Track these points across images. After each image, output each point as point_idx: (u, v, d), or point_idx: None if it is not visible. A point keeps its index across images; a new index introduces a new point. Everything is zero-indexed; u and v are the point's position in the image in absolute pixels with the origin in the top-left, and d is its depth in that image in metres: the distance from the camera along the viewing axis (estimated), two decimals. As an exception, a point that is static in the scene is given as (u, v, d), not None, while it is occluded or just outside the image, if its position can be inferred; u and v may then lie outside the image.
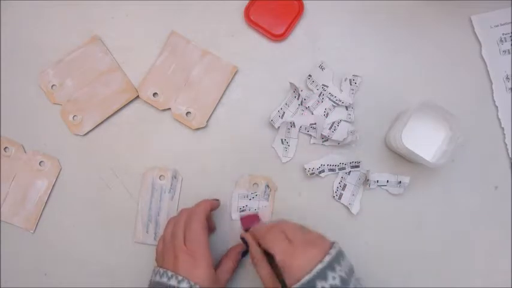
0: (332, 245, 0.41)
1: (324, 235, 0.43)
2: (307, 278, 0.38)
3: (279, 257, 0.40)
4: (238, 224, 0.51)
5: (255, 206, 0.52)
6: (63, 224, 0.53)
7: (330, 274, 0.38)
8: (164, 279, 0.41)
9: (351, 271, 0.41)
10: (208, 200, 0.48)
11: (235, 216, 0.52)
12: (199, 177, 0.53)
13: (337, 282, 0.38)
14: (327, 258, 0.39)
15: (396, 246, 0.52)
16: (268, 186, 0.52)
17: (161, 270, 0.42)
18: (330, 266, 0.39)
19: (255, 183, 0.52)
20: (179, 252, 0.42)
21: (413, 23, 0.55)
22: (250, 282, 0.51)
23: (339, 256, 0.40)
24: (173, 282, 0.41)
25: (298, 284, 0.38)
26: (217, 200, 0.50)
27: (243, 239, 0.47)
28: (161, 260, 0.45)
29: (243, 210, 0.52)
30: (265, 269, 0.44)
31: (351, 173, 0.52)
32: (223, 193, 0.53)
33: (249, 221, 0.49)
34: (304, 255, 0.40)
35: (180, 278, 0.40)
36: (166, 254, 0.44)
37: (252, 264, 0.45)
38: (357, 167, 0.52)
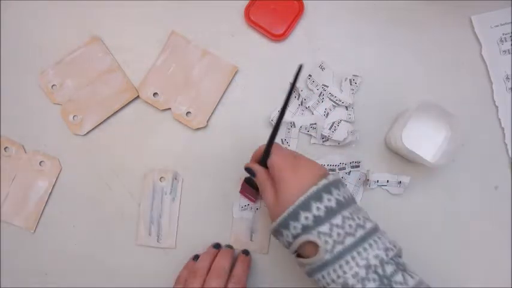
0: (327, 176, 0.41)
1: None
2: (302, 198, 0.37)
3: (277, 174, 0.40)
4: (244, 219, 0.51)
5: (257, 204, 0.52)
6: (63, 224, 0.53)
7: (326, 196, 0.38)
8: None
9: (351, 198, 0.40)
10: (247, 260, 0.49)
11: (237, 214, 0.52)
12: (200, 177, 0.53)
13: (332, 204, 0.37)
14: (322, 182, 0.38)
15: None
16: None
17: None
18: (325, 189, 0.38)
19: None
20: None
21: (413, 23, 0.55)
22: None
23: (335, 183, 0.39)
24: None
25: (294, 205, 0.38)
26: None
27: (247, 168, 0.46)
28: None
29: (245, 209, 0.52)
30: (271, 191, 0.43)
31: (351, 173, 0.52)
32: (224, 193, 0.53)
33: (247, 191, 0.51)
34: (300, 170, 0.40)
35: None
36: None
37: (260, 191, 0.44)
38: (357, 167, 0.52)
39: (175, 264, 0.51)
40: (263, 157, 0.43)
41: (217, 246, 0.50)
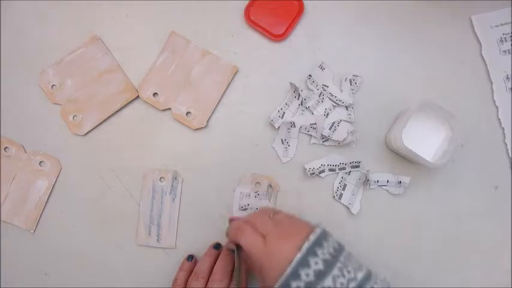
0: (312, 229, 0.39)
1: (302, 219, 0.42)
2: (288, 271, 0.36)
3: (255, 262, 0.39)
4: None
5: (256, 205, 0.52)
6: (63, 224, 0.53)
7: (312, 260, 0.37)
8: None
9: (337, 250, 0.39)
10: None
11: (237, 214, 0.52)
12: (200, 177, 0.53)
13: (320, 267, 0.36)
14: (305, 246, 0.37)
15: (396, 246, 0.53)
16: (270, 186, 0.52)
17: None
18: (310, 252, 0.37)
19: (257, 183, 0.52)
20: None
21: (413, 23, 0.55)
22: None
23: (318, 241, 0.38)
24: None
25: (284, 277, 0.36)
26: None
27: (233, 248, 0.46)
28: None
29: (245, 209, 0.52)
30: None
31: (351, 173, 0.52)
32: (224, 193, 0.53)
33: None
34: (278, 252, 0.38)
35: None
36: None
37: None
38: (357, 166, 0.52)
39: (175, 264, 0.51)
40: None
41: (217, 246, 0.50)
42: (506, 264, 0.52)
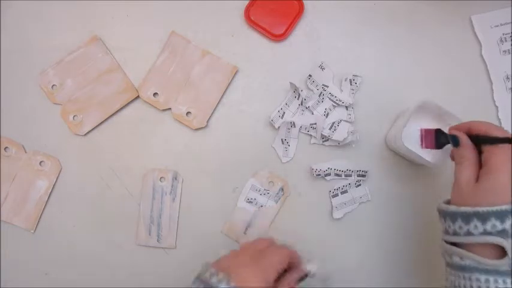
0: None
1: None
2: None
3: (500, 162, 0.36)
4: (245, 212, 0.51)
5: (263, 202, 0.52)
6: (63, 224, 0.53)
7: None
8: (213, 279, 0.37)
9: None
10: (296, 255, 0.42)
11: (242, 204, 0.52)
12: (200, 177, 0.53)
13: None
14: None
15: (396, 246, 0.53)
16: (282, 189, 0.52)
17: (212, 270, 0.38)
18: None
19: (271, 181, 0.52)
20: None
21: (413, 23, 0.55)
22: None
23: None
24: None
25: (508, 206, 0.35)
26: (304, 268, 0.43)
27: (453, 136, 0.41)
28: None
29: (250, 202, 0.52)
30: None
31: (359, 186, 0.52)
32: (224, 193, 0.53)
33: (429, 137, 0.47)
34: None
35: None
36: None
37: (456, 163, 0.41)
38: (364, 176, 0.52)
39: (175, 264, 0.51)
40: (477, 138, 0.39)
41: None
42: (506, 264, 0.52)
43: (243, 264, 0.39)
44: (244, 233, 0.52)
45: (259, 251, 0.41)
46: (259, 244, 0.42)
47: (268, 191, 0.52)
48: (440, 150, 0.50)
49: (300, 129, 0.53)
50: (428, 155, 0.49)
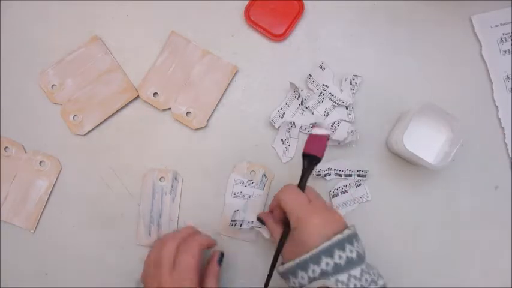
0: (348, 226, 0.41)
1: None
2: (327, 244, 0.37)
3: (295, 214, 0.40)
4: (235, 206, 0.52)
5: (249, 193, 0.52)
6: (63, 224, 0.53)
7: (348, 246, 0.38)
8: None
9: (363, 255, 0.41)
10: (205, 237, 0.48)
11: (229, 200, 0.52)
12: (200, 177, 0.53)
13: (353, 255, 0.38)
14: (346, 232, 0.39)
15: (396, 246, 0.53)
16: (265, 175, 0.52)
17: None
18: (348, 240, 0.39)
19: (252, 171, 0.52)
20: (164, 283, 0.42)
21: (413, 23, 0.55)
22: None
23: (356, 235, 0.40)
24: None
25: (317, 249, 0.37)
26: (214, 240, 0.48)
27: (259, 218, 0.48)
28: (144, 282, 0.45)
29: (237, 196, 0.52)
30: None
31: (359, 186, 0.52)
32: (224, 193, 0.53)
33: (316, 143, 0.44)
34: (323, 216, 0.40)
35: None
36: (150, 279, 0.44)
37: (273, 242, 0.44)
38: (364, 176, 0.52)
39: (175, 264, 0.51)
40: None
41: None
42: (506, 264, 0.52)
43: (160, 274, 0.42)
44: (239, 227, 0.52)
45: (168, 258, 0.43)
46: (165, 252, 0.44)
47: (251, 181, 0.52)
48: (441, 152, 0.50)
49: (300, 129, 0.53)
50: (430, 157, 0.49)
